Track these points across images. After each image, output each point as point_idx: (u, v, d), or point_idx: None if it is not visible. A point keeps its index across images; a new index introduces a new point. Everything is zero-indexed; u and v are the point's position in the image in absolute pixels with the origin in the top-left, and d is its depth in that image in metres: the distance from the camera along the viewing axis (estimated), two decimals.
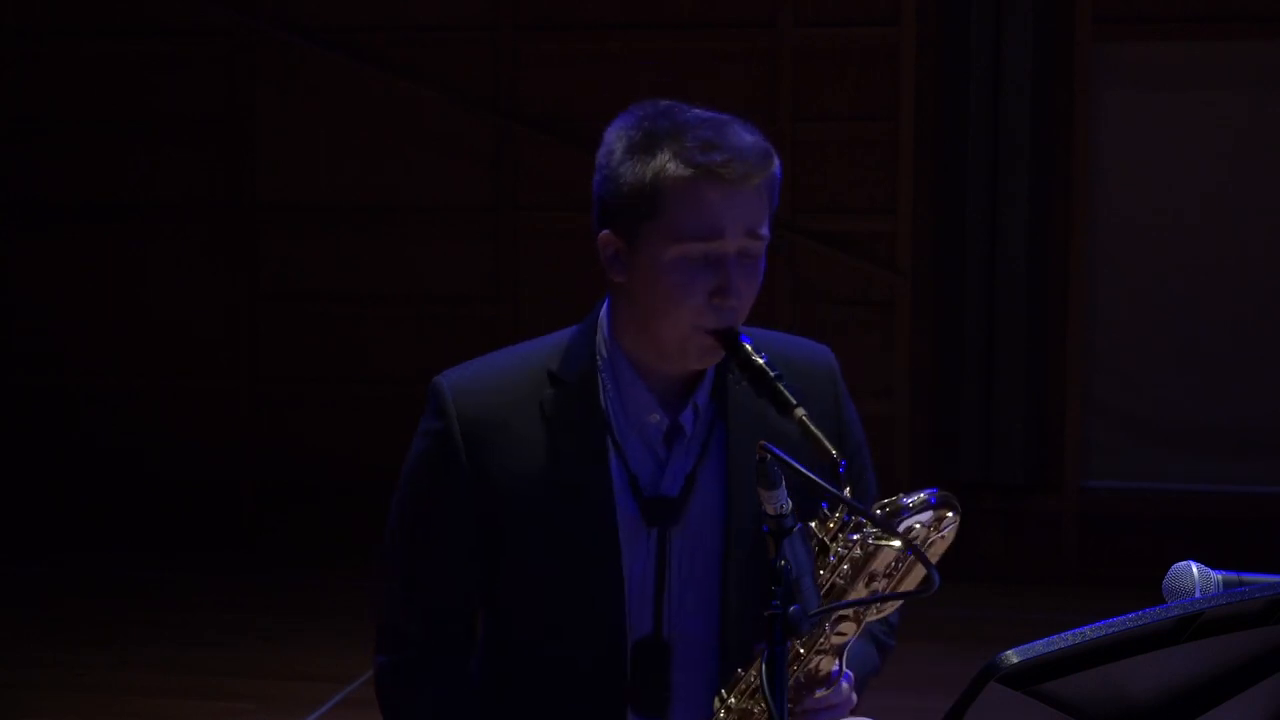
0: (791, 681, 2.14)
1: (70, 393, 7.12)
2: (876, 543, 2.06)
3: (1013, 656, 1.52)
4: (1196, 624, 1.61)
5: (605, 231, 2.25)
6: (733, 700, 2.17)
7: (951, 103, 6.36)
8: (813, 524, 2.07)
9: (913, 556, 2.06)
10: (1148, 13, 6.40)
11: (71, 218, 7.05)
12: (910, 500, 2.08)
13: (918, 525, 2.07)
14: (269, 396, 6.99)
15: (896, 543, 2.05)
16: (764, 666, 1.86)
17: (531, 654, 2.33)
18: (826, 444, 1.99)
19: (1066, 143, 6.39)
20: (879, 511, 2.07)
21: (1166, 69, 6.45)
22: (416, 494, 2.33)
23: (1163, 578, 1.86)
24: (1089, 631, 1.55)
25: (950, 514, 2.09)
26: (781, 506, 1.92)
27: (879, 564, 2.08)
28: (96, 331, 7.08)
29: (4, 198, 7.11)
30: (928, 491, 2.10)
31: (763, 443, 1.93)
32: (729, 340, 2.17)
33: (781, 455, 1.91)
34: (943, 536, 2.11)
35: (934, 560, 2.07)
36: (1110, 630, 1.55)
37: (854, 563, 2.08)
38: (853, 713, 2.25)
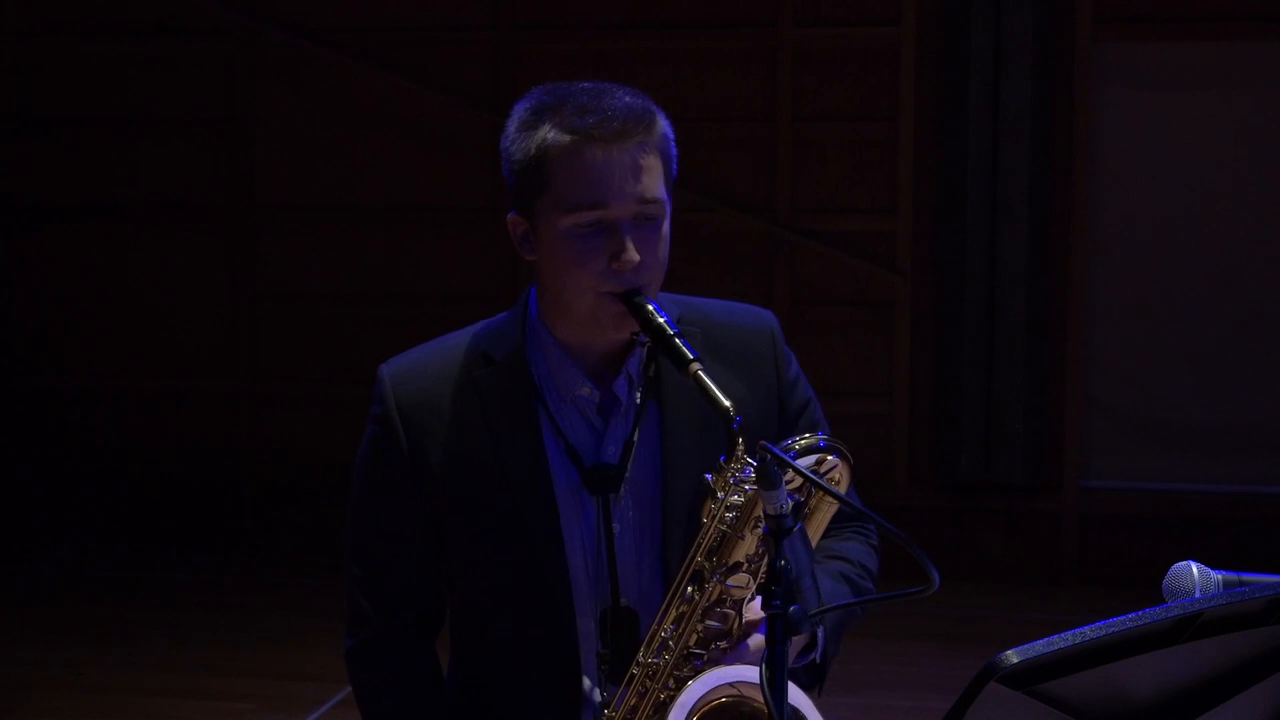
0: (695, 639, 2.19)
1: (70, 393, 7.12)
2: (756, 489, 2.08)
3: (1013, 656, 1.52)
4: (1196, 624, 1.61)
5: (512, 214, 2.31)
6: (641, 656, 2.21)
7: (951, 103, 6.36)
8: (709, 476, 2.14)
9: (804, 499, 2.11)
10: (1148, 13, 6.39)
11: (71, 217, 7.05)
12: (795, 442, 2.13)
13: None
14: (268, 397, 6.99)
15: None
16: (763, 666, 1.86)
17: (489, 633, 2.38)
18: (720, 397, 2.08)
19: (1067, 143, 6.38)
20: (768, 455, 2.09)
21: (1166, 69, 6.45)
22: (364, 479, 2.40)
23: (1163, 578, 1.86)
24: (1089, 631, 1.55)
25: (831, 457, 2.14)
26: (781, 506, 1.92)
27: (761, 509, 2.09)
28: (96, 331, 7.08)
29: (3, 198, 7.11)
30: (817, 434, 2.17)
31: (762, 443, 1.93)
32: (630, 301, 2.21)
33: (778, 453, 1.92)
34: (831, 479, 2.15)
35: (828, 500, 2.14)
36: (1110, 630, 1.55)
37: (739, 509, 2.14)
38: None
